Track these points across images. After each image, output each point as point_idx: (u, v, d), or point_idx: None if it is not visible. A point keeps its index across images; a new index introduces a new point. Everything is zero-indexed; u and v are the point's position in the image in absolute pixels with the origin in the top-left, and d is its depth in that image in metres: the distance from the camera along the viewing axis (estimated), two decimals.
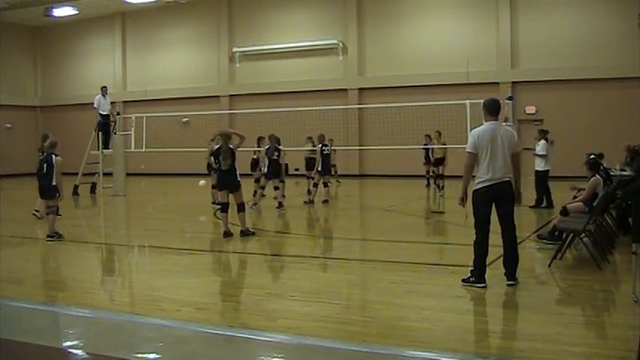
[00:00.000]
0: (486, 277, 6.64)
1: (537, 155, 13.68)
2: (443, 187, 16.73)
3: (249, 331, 5.30)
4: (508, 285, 6.64)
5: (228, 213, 10.49)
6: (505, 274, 6.73)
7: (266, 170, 14.34)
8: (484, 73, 22.56)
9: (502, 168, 6.58)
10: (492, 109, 6.73)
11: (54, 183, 10.20)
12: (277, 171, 14.28)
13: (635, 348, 4.39)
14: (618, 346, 4.88)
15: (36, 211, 12.53)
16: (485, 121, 6.76)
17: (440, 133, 17.22)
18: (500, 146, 6.55)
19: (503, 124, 14.92)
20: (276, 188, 14.30)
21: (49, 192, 10.29)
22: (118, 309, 6.29)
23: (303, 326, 5.41)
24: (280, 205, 14.17)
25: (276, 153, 14.23)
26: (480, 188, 6.62)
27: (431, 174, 19.59)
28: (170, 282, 7.35)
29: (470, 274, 6.71)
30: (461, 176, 6.84)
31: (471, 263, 6.73)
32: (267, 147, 14.44)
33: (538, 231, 10.92)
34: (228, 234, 10.29)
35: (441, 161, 17.13)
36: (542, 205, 13.64)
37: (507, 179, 6.66)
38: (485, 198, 6.60)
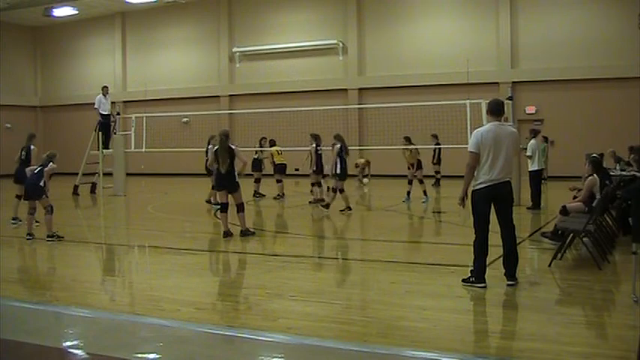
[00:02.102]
0: (486, 277, 6.65)
1: (526, 156, 13.59)
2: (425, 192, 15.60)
3: (249, 331, 5.30)
4: (508, 285, 6.64)
5: (228, 213, 10.49)
6: (505, 274, 6.73)
7: (338, 171, 13.57)
8: (484, 73, 22.54)
9: (503, 169, 6.59)
10: (495, 110, 6.76)
11: (41, 184, 10.25)
12: (346, 172, 13.75)
13: (635, 348, 4.40)
14: (618, 346, 4.88)
15: (14, 219, 12.23)
16: (488, 122, 6.79)
17: (409, 139, 16.07)
18: (503, 147, 6.56)
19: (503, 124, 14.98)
20: (341, 191, 13.62)
21: (35, 192, 10.30)
22: (118, 309, 6.29)
23: (303, 326, 5.41)
24: (349, 207, 13.58)
25: (347, 153, 13.72)
26: (479, 188, 6.62)
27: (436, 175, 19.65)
28: (170, 282, 7.35)
29: (470, 274, 6.71)
30: (460, 176, 6.85)
31: (471, 263, 6.74)
32: (338, 146, 13.70)
33: (537, 232, 10.92)
34: (228, 234, 10.30)
35: (418, 165, 15.87)
36: (535, 206, 13.50)
37: (507, 180, 6.68)
38: (485, 198, 6.60)
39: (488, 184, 6.56)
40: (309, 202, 15.27)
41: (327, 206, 13.62)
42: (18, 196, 12.29)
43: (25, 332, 5.39)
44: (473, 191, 6.70)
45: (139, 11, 29.53)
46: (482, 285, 6.57)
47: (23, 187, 12.15)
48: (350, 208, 13.62)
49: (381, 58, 25.35)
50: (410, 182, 15.70)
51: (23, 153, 12.44)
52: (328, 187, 14.05)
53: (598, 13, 22.11)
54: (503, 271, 6.77)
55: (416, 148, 15.98)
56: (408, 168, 15.87)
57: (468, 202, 6.78)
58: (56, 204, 10.87)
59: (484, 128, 6.71)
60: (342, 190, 13.61)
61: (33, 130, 18.25)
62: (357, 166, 21.44)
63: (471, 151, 6.65)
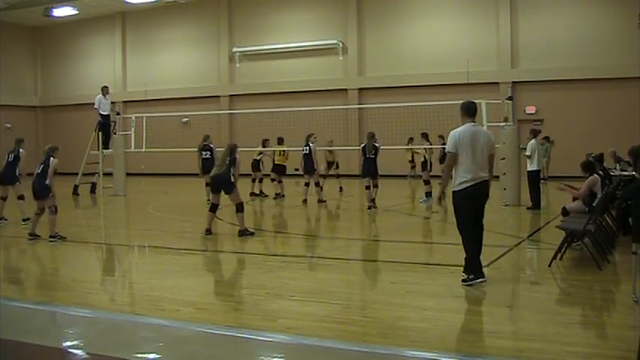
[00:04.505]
0: (486, 276, 6.65)
1: (525, 156, 13.58)
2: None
3: (249, 331, 5.30)
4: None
5: (215, 214, 10.70)
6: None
7: (361, 168, 13.87)
8: (484, 73, 22.55)
9: (482, 168, 6.68)
10: (470, 111, 6.88)
11: (47, 182, 10.20)
12: (374, 169, 13.67)
13: (635, 348, 4.40)
14: (618, 346, 4.88)
15: (24, 220, 12.00)
16: (463, 123, 6.86)
17: (426, 136, 16.69)
18: (480, 147, 6.66)
19: (503, 124, 15.04)
20: (368, 187, 13.71)
21: (41, 191, 10.23)
22: (118, 309, 6.29)
23: (303, 326, 5.41)
24: (371, 205, 13.62)
25: (374, 152, 13.61)
26: (462, 189, 6.67)
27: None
28: (170, 282, 7.35)
29: (467, 274, 6.72)
30: None
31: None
32: (363, 145, 13.88)
33: (536, 232, 10.93)
34: (209, 232, 10.53)
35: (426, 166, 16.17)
36: (535, 206, 13.46)
37: (486, 178, 6.76)
38: (468, 199, 6.67)
39: (470, 184, 6.63)
40: (319, 201, 15.41)
41: (369, 207, 13.66)
42: (3, 198, 12.38)
43: (25, 332, 5.39)
44: (454, 192, 6.76)
45: (139, 11, 29.52)
46: (483, 279, 6.62)
47: (7, 189, 12.29)
48: (370, 206, 13.66)
49: (381, 58, 25.35)
50: (426, 182, 15.68)
51: (11, 156, 12.43)
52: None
53: (598, 13, 22.10)
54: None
55: (430, 147, 16.00)
56: (423, 169, 15.84)
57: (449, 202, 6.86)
58: (56, 204, 10.83)
59: (461, 129, 6.78)
60: (367, 187, 13.72)
61: (32, 131, 18.30)
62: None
63: (449, 152, 6.76)
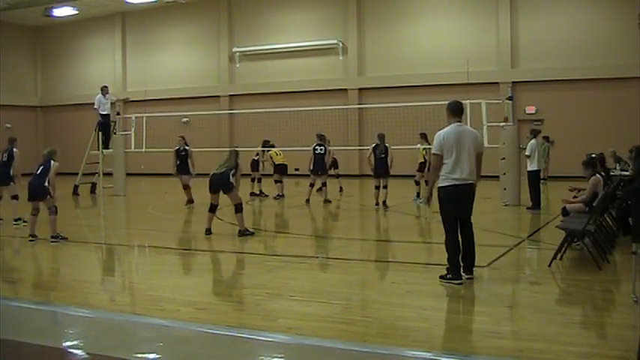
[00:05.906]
0: (485, 277, 6.65)
1: (525, 156, 13.58)
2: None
3: (249, 331, 5.29)
4: (468, 279, 6.75)
5: (214, 214, 10.74)
6: (462, 269, 6.80)
7: (373, 169, 14.31)
8: (484, 73, 22.52)
9: (467, 168, 6.71)
10: (456, 111, 6.93)
11: (45, 184, 10.18)
12: (385, 170, 14.17)
13: (635, 348, 4.40)
14: (618, 346, 4.88)
15: (16, 220, 11.95)
16: (449, 123, 6.89)
17: (425, 137, 16.67)
18: (466, 147, 6.70)
19: (502, 124, 15.03)
20: (384, 187, 14.22)
21: (38, 192, 10.19)
22: (118, 309, 6.29)
23: (303, 326, 5.41)
24: (384, 202, 14.17)
25: (384, 152, 14.09)
26: (446, 187, 6.73)
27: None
28: (170, 282, 7.35)
29: (447, 272, 6.79)
30: None
31: (447, 261, 6.80)
32: (374, 145, 14.30)
33: (536, 232, 10.93)
34: (208, 232, 10.56)
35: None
36: (535, 206, 13.44)
37: (471, 182, 6.80)
38: (453, 197, 6.72)
39: (456, 183, 6.68)
40: (306, 201, 15.39)
41: (383, 205, 14.20)
42: None
43: (25, 332, 5.39)
44: (441, 189, 6.82)
45: (139, 11, 29.52)
46: (459, 282, 6.66)
47: (2, 189, 12.28)
48: (377, 204, 14.25)
49: (381, 58, 25.35)
50: (417, 183, 15.80)
51: (5, 155, 12.39)
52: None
53: (598, 13, 22.10)
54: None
55: (429, 147, 16.01)
56: (419, 170, 15.89)
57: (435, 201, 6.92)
58: (56, 204, 10.83)
59: (445, 130, 6.82)
60: (377, 187, 14.28)
61: (32, 131, 18.29)
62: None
63: (434, 153, 6.84)
